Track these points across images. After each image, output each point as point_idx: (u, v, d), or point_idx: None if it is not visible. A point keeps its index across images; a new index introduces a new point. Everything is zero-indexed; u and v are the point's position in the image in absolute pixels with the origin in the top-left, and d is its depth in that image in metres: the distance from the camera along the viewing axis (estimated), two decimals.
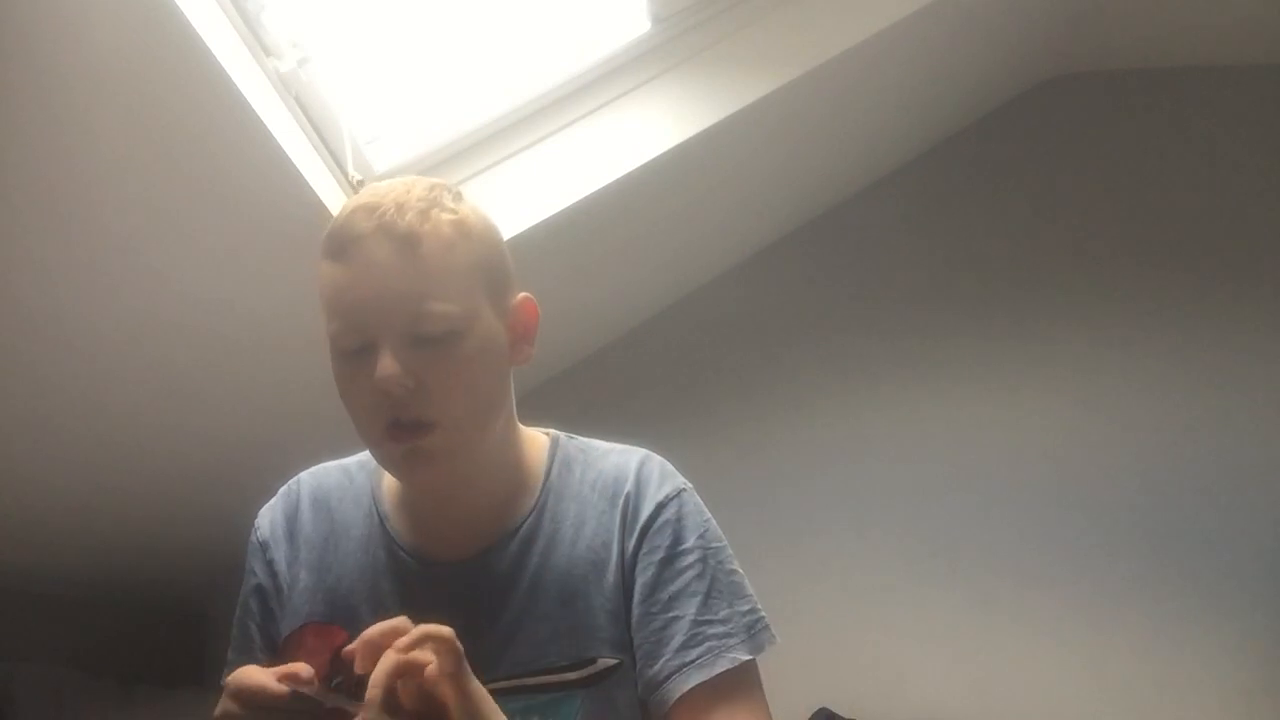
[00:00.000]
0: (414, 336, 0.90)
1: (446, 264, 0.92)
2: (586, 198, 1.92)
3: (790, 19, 1.97)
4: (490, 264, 0.96)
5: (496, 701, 0.87)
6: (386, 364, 0.88)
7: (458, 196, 0.97)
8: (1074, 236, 2.58)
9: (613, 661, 0.95)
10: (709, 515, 1.03)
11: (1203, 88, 2.54)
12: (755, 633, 0.98)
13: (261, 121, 1.48)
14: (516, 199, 1.89)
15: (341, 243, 0.91)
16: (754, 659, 0.97)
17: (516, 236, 1.84)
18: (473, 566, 0.98)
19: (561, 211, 1.90)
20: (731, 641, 0.96)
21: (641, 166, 1.93)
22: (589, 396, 2.57)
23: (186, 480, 2.12)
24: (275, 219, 1.64)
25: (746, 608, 0.99)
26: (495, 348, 0.96)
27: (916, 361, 2.58)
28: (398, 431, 0.91)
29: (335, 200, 1.73)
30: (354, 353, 0.91)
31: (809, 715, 2.30)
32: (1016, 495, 2.45)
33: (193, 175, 1.50)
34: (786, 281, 2.68)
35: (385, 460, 0.95)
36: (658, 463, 1.04)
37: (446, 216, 0.93)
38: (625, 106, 1.97)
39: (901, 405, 2.56)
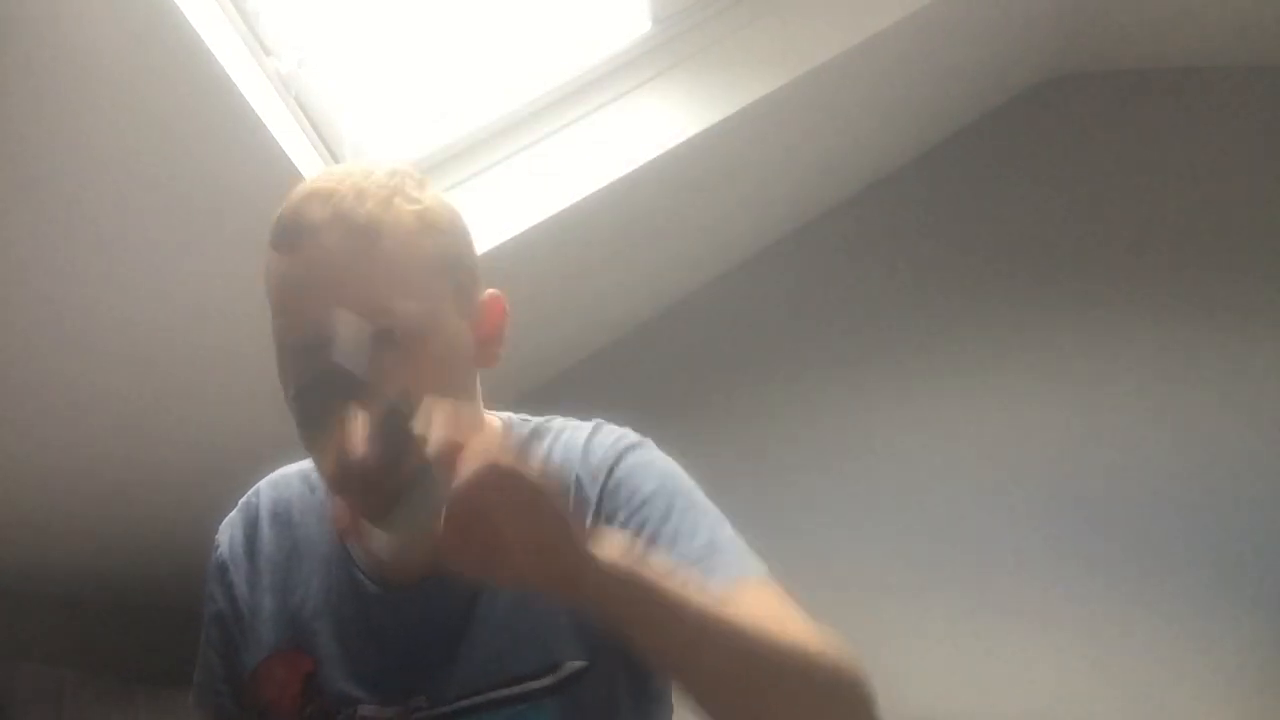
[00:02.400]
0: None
1: (409, 258, 0.83)
2: (586, 198, 1.92)
3: (790, 19, 1.97)
4: (456, 259, 0.88)
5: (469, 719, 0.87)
6: None
7: (422, 184, 0.89)
8: (1075, 236, 2.58)
9: (580, 664, 0.88)
10: (664, 465, 0.93)
11: (1203, 88, 2.54)
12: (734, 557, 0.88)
13: (261, 121, 1.48)
14: (516, 199, 1.89)
15: (293, 232, 0.82)
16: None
17: (516, 237, 1.84)
18: (430, 585, 0.91)
19: (561, 211, 1.90)
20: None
21: (641, 166, 1.93)
22: (586, 397, 2.55)
23: (186, 480, 2.12)
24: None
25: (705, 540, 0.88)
26: (458, 349, 0.88)
27: (916, 361, 2.58)
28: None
29: None
30: (302, 352, 0.82)
31: None
32: (1016, 495, 2.44)
33: (192, 175, 1.50)
34: (786, 282, 2.68)
35: (327, 477, 0.86)
36: (605, 431, 0.95)
37: (410, 206, 0.85)
38: (625, 106, 1.97)
39: (902, 405, 2.56)
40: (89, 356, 1.71)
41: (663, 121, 1.96)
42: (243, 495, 1.04)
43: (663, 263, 2.50)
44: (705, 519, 0.90)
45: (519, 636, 0.89)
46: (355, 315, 0.79)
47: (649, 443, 0.96)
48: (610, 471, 0.90)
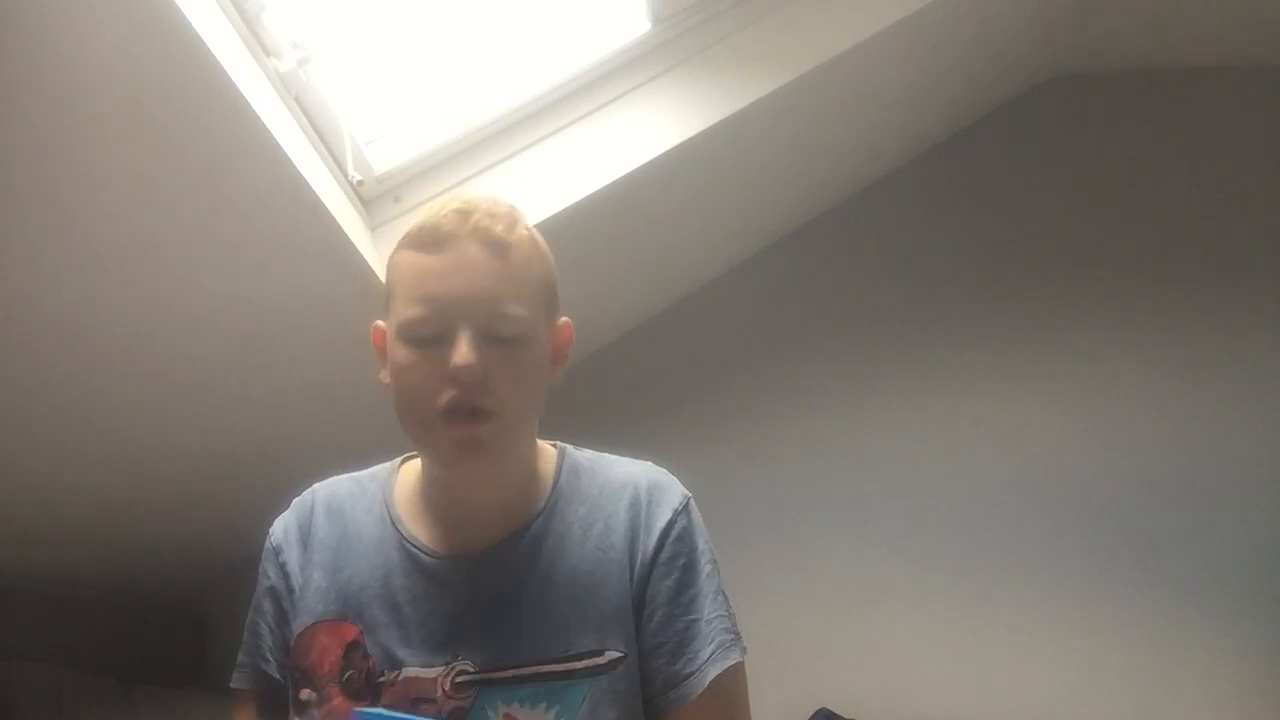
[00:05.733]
0: (490, 334, 0.97)
1: (526, 274, 1.01)
2: (586, 198, 1.92)
3: (790, 20, 1.97)
4: (551, 284, 1.06)
5: (509, 687, 0.97)
6: (466, 352, 0.95)
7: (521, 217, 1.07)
8: (1074, 237, 2.58)
9: (619, 654, 1.00)
10: (705, 530, 1.10)
11: (1203, 88, 2.54)
12: (739, 636, 1.07)
13: (261, 121, 1.48)
14: (515, 199, 1.89)
15: (436, 237, 0.98)
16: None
17: None
18: (484, 561, 1.02)
19: (560, 212, 1.90)
20: (733, 639, 1.05)
21: (641, 167, 1.93)
22: (587, 398, 2.56)
23: (186, 480, 2.12)
24: (275, 219, 1.64)
25: (729, 612, 1.08)
26: (545, 359, 1.03)
27: (916, 362, 2.58)
28: (457, 417, 0.96)
29: (335, 200, 1.73)
30: (427, 340, 0.97)
31: (809, 715, 2.30)
32: (1015, 496, 2.45)
33: (192, 175, 1.50)
34: (786, 283, 2.68)
35: (437, 445, 0.99)
36: (663, 471, 1.11)
37: (526, 233, 1.03)
38: (625, 106, 1.97)
39: (901, 406, 2.56)
40: (88, 359, 1.71)
41: (662, 122, 1.96)
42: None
43: (662, 263, 2.50)
44: (720, 593, 1.07)
45: (569, 618, 1.00)
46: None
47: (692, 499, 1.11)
48: (679, 513, 1.07)
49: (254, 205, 1.60)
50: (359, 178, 1.82)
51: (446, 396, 0.95)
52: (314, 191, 1.63)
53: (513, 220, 1.02)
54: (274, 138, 1.51)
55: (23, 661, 2.13)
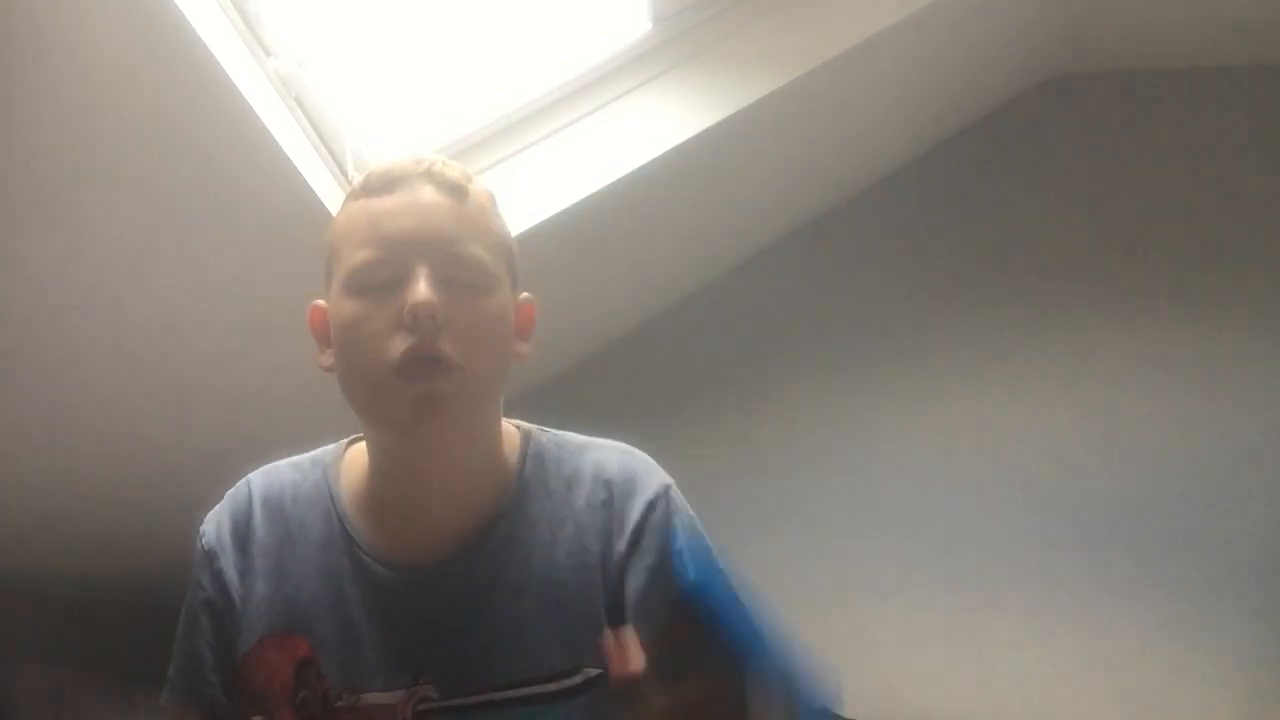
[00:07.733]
0: (448, 276, 0.87)
1: (485, 223, 0.92)
2: (586, 198, 1.92)
3: (791, 19, 1.97)
4: (512, 248, 0.96)
5: (477, 713, 0.87)
6: (424, 289, 0.84)
7: None
8: (1074, 236, 2.58)
9: (595, 672, 0.87)
10: (691, 511, 0.97)
11: (1203, 88, 2.54)
12: None
13: (261, 121, 1.48)
14: (515, 199, 1.89)
15: (387, 180, 0.90)
16: None
17: (515, 237, 1.84)
18: (442, 571, 0.90)
19: (560, 212, 1.90)
20: None
21: (641, 167, 1.93)
22: (587, 398, 2.57)
23: (185, 479, 2.12)
24: (274, 219, 1.64)
25: None
26: (508, 322, 0.93)
27: (916, 362, 2.58)
28: (416, 368, 0.84)
29: (335, 200, 1.73)
30: (379, 285, 0.86)
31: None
32: (1016, 495, 2.45)
33: (192, 175, 1.50)
34: (786, 282, 2.68)
35: (392, 403, 0.86)
36: (639, 458, 0.98)
37: (484, 189, 0.95)
38: (625, 107, 1.97)
39: (901, 405, 2.56)
40: (88, 357, 1.71)
41: (662, 122, 1.96)
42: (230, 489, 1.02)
43: (662, 264, 2.50)
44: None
45: (540, 635, 0.88)
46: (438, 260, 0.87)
47: (674, 484, 0.98)
48: (652, 506, 0.94)
49: (253, 205, 1.60)
50: (359, 178, 1.82)
51: (402, 347, 0.84)
52: (314, 191, 1.63)
53: (469, 173, 0.94)
54: (274, 138, 1.51)
55: (23, 661, 2.13)
